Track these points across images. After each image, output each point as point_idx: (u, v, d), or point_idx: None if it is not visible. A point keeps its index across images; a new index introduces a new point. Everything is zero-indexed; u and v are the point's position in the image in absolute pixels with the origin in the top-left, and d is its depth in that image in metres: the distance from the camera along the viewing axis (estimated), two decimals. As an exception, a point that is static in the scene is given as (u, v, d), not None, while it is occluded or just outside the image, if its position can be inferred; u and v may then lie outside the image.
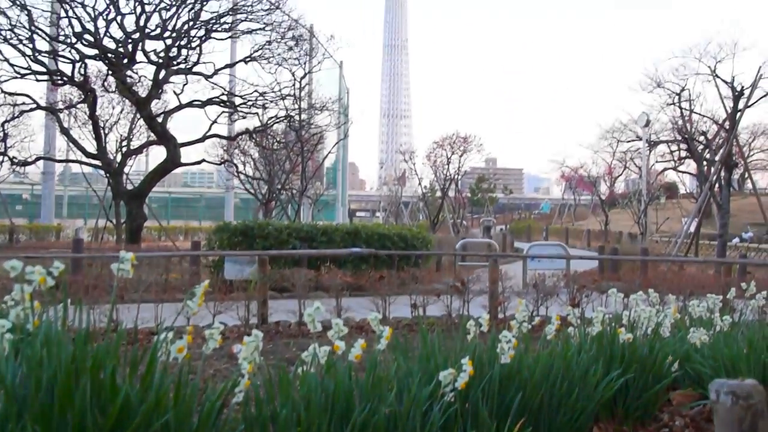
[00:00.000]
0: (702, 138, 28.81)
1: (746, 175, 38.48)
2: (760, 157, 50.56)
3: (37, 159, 23.19)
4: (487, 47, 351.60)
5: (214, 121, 21.04)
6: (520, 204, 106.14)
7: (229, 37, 20.64)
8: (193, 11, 18.74)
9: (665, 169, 41.12)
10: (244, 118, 22.40)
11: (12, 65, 18.22)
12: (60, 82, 19.65)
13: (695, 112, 27.69)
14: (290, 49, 21.02)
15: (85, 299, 6.76)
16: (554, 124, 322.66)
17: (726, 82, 22.82)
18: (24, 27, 17.75)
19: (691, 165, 34.14)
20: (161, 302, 8.33)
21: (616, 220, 45.67)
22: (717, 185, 23.15)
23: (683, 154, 33.07)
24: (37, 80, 19.29)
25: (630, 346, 4.59)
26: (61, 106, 22.54)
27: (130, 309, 7.98)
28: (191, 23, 18.83)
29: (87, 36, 18.07)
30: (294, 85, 22.79)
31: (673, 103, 27.86)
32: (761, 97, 22.78)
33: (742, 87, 22.22)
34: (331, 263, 14.48)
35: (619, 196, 52.59)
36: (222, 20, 19.45)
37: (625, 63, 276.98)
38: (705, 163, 27.94)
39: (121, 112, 24.65)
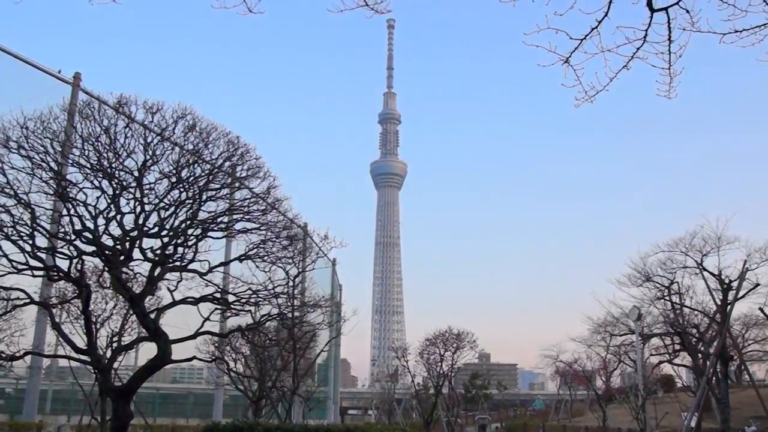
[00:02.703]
0: (694, 330, 28.81)
1: (743, 367, 38.10)
2: (755, 348, 50.29)
3: (26, 354, 22.77)
4: (477, 244, 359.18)
5: (207, 318, 20.92)
6: (515, 400, 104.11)
7: (225, 236, 20.97)
8: (191, 211, 19.24)
9: (660, 362, 40.75)
10: (236, 315, 22.36)
11: (10, 260, 18.39)
12: (56, 277, 19.78)
13: (686, 306, 27.89)
14: (285, 248, 21.31)
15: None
16: (546, 319, 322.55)
17: (714, 275, 23.19)
18: (26, 224, 18.13)
19: (686, 358, 33.90)
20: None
21: (614, 415, 44.58)
22: (714, 378, 22.87)
23: (677, 347, 32.89)
24: (34, 276, 19.38)
25: None
26: (54, 300, 22.52)
27: None
28: (188, 222, 19.28)
29: (86, 233, 18.43)
30: (287, 283, 22.93)
31: (663, 297, 28.13)
32: (749, 290, 23.08)
33: (730, 280, 22.55)
34: (323, 464, 13.98)
35: (615, 390, 51.65)
36: (218, 220, 19.91)
37: (613, 256, 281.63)
38: (700, 355, 27.77)
39: (114, 307, 24.61)
